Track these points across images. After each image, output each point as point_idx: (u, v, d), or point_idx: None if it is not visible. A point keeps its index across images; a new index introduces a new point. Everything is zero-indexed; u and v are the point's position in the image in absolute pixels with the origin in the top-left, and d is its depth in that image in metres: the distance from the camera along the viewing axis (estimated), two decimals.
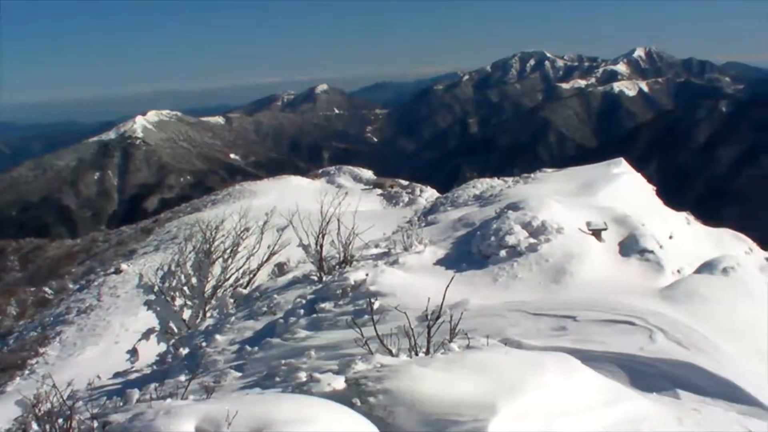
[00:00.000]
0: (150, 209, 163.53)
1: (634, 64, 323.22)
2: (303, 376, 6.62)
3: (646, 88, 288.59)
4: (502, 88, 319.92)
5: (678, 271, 14.21)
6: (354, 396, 5.27)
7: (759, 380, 8.04)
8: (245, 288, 18.40)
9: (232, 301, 15.95)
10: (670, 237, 17.44)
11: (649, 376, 7.64)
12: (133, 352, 17.66)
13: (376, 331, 7.46)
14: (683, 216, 21.30)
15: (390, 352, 7.18)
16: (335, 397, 5.28)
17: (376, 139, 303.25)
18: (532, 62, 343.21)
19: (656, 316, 9.25)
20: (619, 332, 8.79)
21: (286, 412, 4.12)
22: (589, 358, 7.23)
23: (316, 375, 6.01)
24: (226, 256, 19.92)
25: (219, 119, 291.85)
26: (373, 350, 7.19)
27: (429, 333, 7.35)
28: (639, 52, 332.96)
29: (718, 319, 10.23)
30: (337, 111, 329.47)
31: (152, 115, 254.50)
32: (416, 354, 7.13)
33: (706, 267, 13.22)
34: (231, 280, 19.65)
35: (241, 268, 20.13)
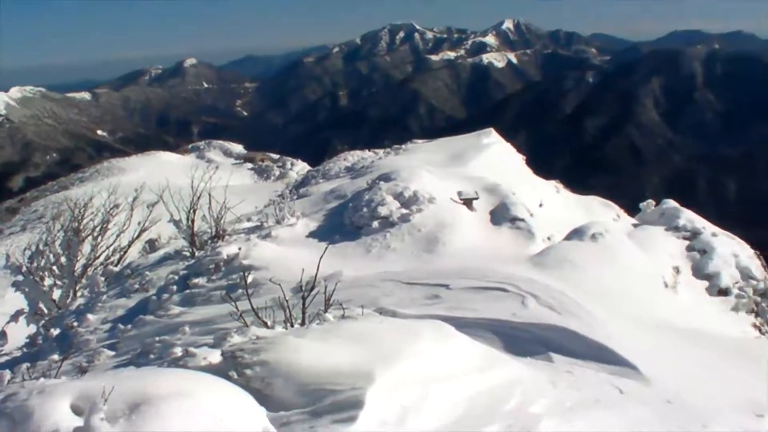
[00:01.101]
0: (15, 188, 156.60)
1: (503, 36, 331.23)
2: (178, 351, 6.53)
3: (514, 60, 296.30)
4: (372, 61, 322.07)
5: (548, 238, 14.75)
6: (230, 369, 5.26)
7: (627, 341, 8.45)
8: (116, 266, 18.15)
9: (103, 279, 15.56)
10: (540, 205, 18.03)
11: (523, 340, 7.93)
12: (2, 335, 16.97)
13: (251, 304, 7.45)
14: (553, 184, 22.01)
15: (265, 325, 7.19)
16: (211, 370, 5.25)
17: (246, 113, 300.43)
18: (401, 34, 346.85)
19: (528, 282, 9.58)
20: (492, 299, 9.07)
21: (164, 386, 4.07)
22: (462, 324, 7.41)
23: (192, 350, 5.96)
24: (95, 234, 19.61)
25: (85, 95, 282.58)
26: (249, 323, 7.19)
27: (304, 304, 7.38)
28: (508, 24, 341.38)
29: (587, 284, 10.70)
30: (206, 85, 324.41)
31: (15, 92, 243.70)
32: (292, 325, 7.16)
33: (576, 234, 13.77)
34: (101, 258, 19.41)
35: (111, 245, 19.91)
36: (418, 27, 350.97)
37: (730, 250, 18.16)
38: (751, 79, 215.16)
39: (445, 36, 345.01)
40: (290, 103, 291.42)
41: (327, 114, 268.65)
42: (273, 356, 5.28)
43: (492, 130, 24.42)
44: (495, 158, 20.90)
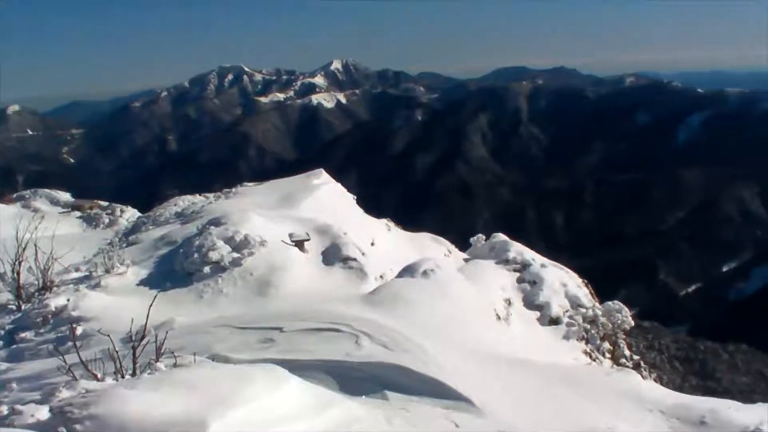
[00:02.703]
0: None
1: (331, 76, 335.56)
2: (4, 409, 6.25)
3: (344, 100, 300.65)
4: (201, 104, 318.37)
5: (381, 277, 15.03)
6: (60, 425, 5.12)
7: (461, 375, 8.73)
8: None
9: None
10: (372, 244, 18.33)
11: (357, 380, 8.06)
12: None
13: (79, 356, 7.24)
14: (384, 223, 22.42)
15: (95, 377, 7.01)
16: (40, 427, 5.10)
17: (72, 160, 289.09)
18: (230, 77, 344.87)
19: (361, 322, 9.75)
20: (326, 340, 9.18)
21: None
22: (297, 367, 7.47)
23: (18, 407, 5.73)
24: None
25: None
26: (78, 377, 6.98)
27: (134, 354, 7.27)
28: (336, 65, 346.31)
29: (420, 320, 10.98)
30: (30, 132, 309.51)
31: None
32: (122, 377, 7.02)
33: (407, 271, 14.11)
34: None
35: None
36: (246, 69, 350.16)
37: (559, 280, 19.08)
38: (573, 112, 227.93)
39: (273, 78, 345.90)
40: (118, 148, 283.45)
41: (156, 159, 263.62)
42: (103, 409, 5.17)
43: (322, 170, 24.68)
44: (326, 199, 21.11)
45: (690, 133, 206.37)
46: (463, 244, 23.15)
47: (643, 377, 18.27)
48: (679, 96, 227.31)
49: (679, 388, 48.31)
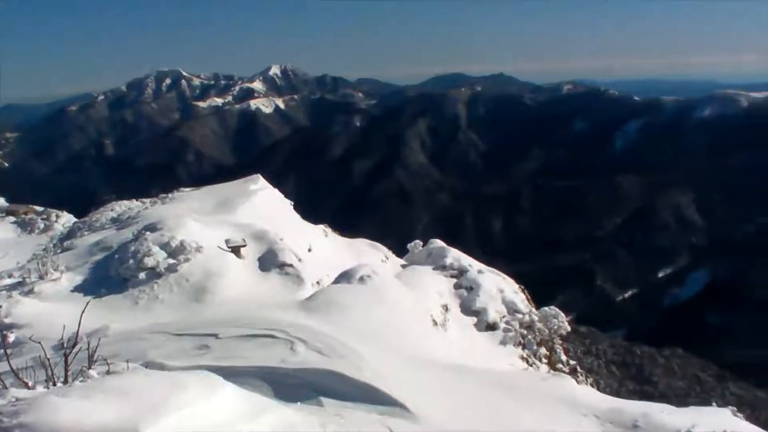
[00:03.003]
0: None
1: (270, 81, 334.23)
2: None
3: (282, 105, 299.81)
4: (138, 108, 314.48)
5: (318, 282, 15.09)
6: None
7: (396, 380, 8.79)
8: None
9: None
10: (309, 250, 18.36)
11: (293, 386, 8.08)
12: None
13: (9, 364, 7.13)
14: (321, 228, 22.48)
15: (26, 385, 6.90)
16: None
17: (7, 164, 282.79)
18: (168, 81, 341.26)
19: (297, 328, 9.78)
20: (261, 346, 9.19)
21: None
22: (232, 374, 7.47)
23: None
24: None
25: None
26: (8, 385, 6.87)
27: (66, 362, 7.17)
28: (275, 70, 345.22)
29: (356, 326, 11.05)
30: None
31: None
32: (54, 384, 6.92)
33: (344, 277, 14.20)
34: None
35: None
36: (185, 73, 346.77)
37: (495, 286, 19.31)
38: (511, 119, 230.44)
39: (212, 82, 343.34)
40: (54, 153, 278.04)
41: (93, 164, 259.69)
42: (33, 418, 5.10)
43: (259, 176, 24.66)
44: (262, 204, 21.10)
45: (627, 140, 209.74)
46: (401, 250, 23.31)
47: (580, 382, 18.59)
48: (615, 103, 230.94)
49: (616, 393, 49.09)
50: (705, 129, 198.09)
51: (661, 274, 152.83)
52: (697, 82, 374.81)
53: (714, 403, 18.26)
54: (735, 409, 16.13)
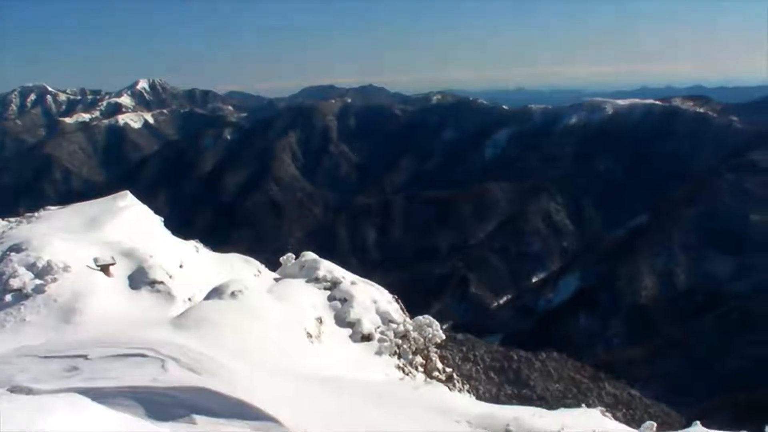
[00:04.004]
0: None
1: (138, 96, 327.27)
2: None
3: (151, 120, 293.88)
4: (2, 125, 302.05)
5: (189, 299, 15.00)
6: None
7: (270, 395, 8.87)
8: None
9: None
10: (180, 266, 18.19)
11: (165, 405, 8.06)
12: None
13: None
14: (192, 244, 22.27)
15: None
16: None
17: None
18: (33, 97, 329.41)
19: (168, 346, 9.73)
20: (133, 365, 9.11)
21: None
22: (102, 395, 7.41)
23: None
24: None
25: None
26: None
27: None
28: (143, 84, 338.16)
29: (228, 342, 11.06)
30: None
31: None
32: None
33: (215, 292, 14.15)
34: None
35: None
36: (50, 89, 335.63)
37: (369, 297, 19.55)
38: (382, 130, 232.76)
39: (79, 97, 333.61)
40: None
41: None
42: None
43: (128, 192, 24.26)
44: (131, 222, 20.80)
45: (497, 149, 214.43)
46: (274, 264, 23.30)
47: (458, 389, 19.03)
48: (485, 113, 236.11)
49: (495, 398, 50.29)
50: (572, 136, 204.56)
51: (534, 280, 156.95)
52: (564, 91, 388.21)
53: (584, 405, 18.97)
54: (604, 409, 16.85)
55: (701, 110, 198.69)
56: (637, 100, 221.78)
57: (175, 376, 8.72)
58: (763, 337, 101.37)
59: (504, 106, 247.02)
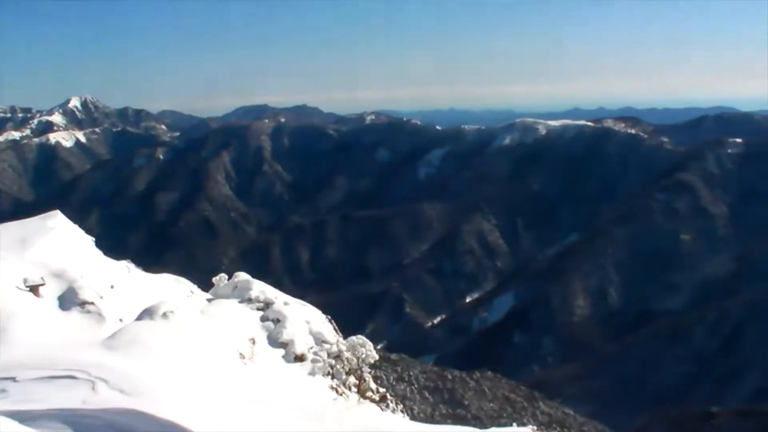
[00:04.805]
0: None
1: (70, 114, 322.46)
2: None
3: (83, 139, 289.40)
4: None
5: (120, 320, 14.90)
6: None
7: (200, 417, 8.89)
8: None
9: None
10: (112, 287, 18.06)
11: (95, 428, 8.02)
12: None
13: None
14: (124, 264, 22.13)
15: None
16: None
17: None
18: None
19: (98, 368, 9.69)
20: (62, 387, 9.05)
21: None
22: (30, 418, 7.37)
23: None
24: None
25: None
26: None
27: None
28: (75, 102, 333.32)
29: (159, 363, 11.04)
30: None
31: None
32: None
33: (146, 313, 14.11)
34: None
35: None
36: None
37: (303, 317, 19.64)
38: (316, 150, 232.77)
39: (9, 115, 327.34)
40: None
41: None
42: None
43: (58, 212, 23.97)
44: (61, 241, 20.58)
45: (430, 169, 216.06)
46: (207, 284, 23.25)
47: (392, 409, 19.17)
48: (418, 133, 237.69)
49: (430, 417, 50.45)
50: (506, 156, 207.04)
51: (468, 299, 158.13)
52: (496, 111, 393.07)
53: (515, 424, 19.30)
54: (535, 427, 17.18)
55: (632, 131, 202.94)
56: (569, 121, 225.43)
57: (105, 398, 8.70)
58: (692, 353, 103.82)
59: (437, 127, 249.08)
